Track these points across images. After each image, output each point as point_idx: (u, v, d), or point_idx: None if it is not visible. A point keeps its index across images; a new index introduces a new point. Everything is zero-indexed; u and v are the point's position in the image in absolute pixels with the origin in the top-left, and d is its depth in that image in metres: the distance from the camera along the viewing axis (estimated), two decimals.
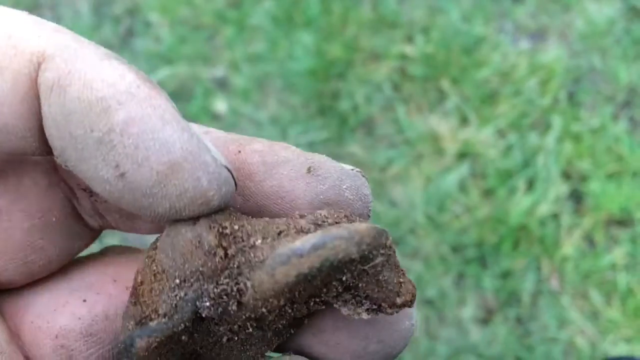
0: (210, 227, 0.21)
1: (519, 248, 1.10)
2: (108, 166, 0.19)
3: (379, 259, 0.21)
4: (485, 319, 1.06)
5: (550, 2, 1.34)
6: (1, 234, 0.23)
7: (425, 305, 1.06)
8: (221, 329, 0.22)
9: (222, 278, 0.21)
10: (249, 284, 0.21)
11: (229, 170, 0.20)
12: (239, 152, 0.22)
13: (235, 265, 0.21)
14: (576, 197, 1.15)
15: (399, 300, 0.22)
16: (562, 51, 1.28)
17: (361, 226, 0.20)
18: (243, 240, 0.21)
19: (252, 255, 0.21)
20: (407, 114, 1.22)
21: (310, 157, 0.22)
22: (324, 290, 0.21)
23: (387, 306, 0.22)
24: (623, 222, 1.13)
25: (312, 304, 0.22)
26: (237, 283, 0.21)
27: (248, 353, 0.23)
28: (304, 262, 0.20)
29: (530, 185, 1.15)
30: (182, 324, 0.21)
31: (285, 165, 0.22)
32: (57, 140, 0.19)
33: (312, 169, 0.22)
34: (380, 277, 0.22)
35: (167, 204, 0.20)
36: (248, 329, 0.22)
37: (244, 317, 0.21)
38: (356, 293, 0.22)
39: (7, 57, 0.19)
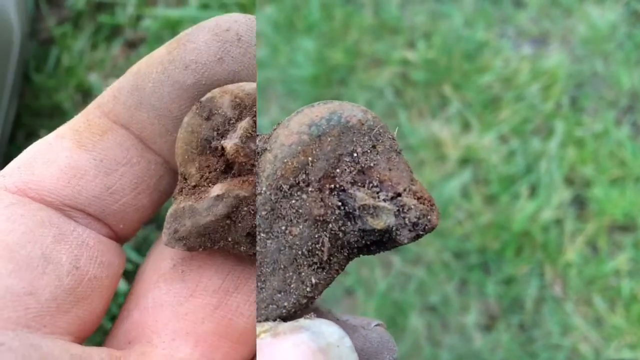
0: None
1: (522, 254, 1.10)
2: None
3: (387, 141, 0.23)
4: (489, 326, 1.06)
5: (552, 7, 1.34)
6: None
7: (428, 312, 1.06)
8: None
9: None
10: (270, 145, 0.23)
11: None
12: None
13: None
14: (579, 203, 1.15)
15: (414, 187, 0.23)
16: (564, 56, 1.28)
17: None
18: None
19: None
20: (409, 120, 1.22)
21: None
22: (337, 170, 0.22)
23: (405, 192, 0.23)
24: (626, 227, 1.12)
25: (327, 194, 0.22)
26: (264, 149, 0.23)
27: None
28: (314, 111, 0.22)
29: (533, 191, 1.15)
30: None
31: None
32: None
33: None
34: (392, 158, 0.23)
35: None
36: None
37: (265, 186, 0.22)
38: (371, 179, 0.22)
39: None
